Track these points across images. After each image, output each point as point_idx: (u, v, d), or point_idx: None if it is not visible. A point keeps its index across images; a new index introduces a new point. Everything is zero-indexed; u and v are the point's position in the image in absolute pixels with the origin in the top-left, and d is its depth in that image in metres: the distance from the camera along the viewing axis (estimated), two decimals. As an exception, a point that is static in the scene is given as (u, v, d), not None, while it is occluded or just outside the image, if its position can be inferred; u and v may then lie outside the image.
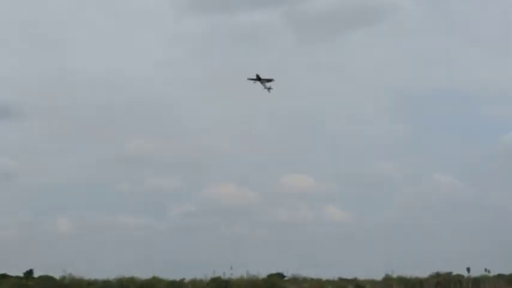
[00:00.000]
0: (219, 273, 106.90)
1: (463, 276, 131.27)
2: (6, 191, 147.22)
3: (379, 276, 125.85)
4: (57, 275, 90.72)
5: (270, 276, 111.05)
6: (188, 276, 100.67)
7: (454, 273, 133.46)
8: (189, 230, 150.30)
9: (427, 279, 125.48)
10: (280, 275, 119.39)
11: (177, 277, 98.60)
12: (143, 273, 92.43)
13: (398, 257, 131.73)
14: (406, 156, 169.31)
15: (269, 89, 60.97)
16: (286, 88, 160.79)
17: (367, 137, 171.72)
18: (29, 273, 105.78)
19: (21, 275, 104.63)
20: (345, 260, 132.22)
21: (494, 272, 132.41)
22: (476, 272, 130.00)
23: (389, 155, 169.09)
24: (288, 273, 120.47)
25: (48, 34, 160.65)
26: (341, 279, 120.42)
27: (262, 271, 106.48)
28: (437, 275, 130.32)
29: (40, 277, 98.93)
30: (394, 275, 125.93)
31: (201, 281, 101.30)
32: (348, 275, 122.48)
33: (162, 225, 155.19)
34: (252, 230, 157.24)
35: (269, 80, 60.71)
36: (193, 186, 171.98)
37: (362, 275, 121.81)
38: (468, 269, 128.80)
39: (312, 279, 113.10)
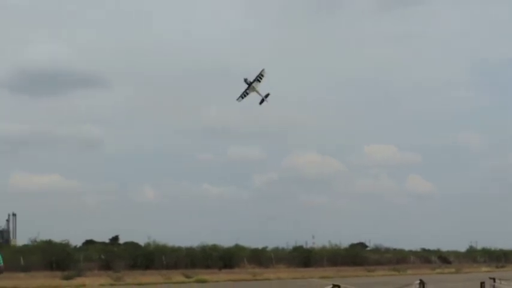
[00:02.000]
0: (301, 243, 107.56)
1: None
2: (93, 159, 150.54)
3: (462, 248, 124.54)
4: (141, 241, 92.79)
5: (352, 246, 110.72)
6: (270, 245, 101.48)
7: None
8: (271, 199, 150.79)
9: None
10: (362, 245, 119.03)
11: (259, 245, 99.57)
12: (226, 241, 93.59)
13: (482, 228, 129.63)
14: (490, 126, 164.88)
15: (262, 101, 48.21)
16: (365, 57, 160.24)
17: (451, 107, 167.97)
18: (115, 239, 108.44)
19: (107, 241, 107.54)
20: (428, 231, 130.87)
21: None
22: None
23: (474, 126, 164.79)
24: (370, 244, 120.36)
25: (127, 4, 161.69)
26: (424, 250, 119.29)
27: (344, 241, 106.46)
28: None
29: (125, 243, 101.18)
30: (478, 247, 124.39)
31: (283, 249, 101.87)
32: (431, 246, 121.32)
33: (244, 194, 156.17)
34: (334, 200, 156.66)
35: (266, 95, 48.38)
36: (275, 155, 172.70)
37: (445, 247, 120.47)
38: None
39: (394, 250, 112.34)
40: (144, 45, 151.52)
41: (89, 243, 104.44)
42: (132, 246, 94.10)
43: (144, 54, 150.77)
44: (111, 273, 65.21)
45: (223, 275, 66.86)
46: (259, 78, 48.45)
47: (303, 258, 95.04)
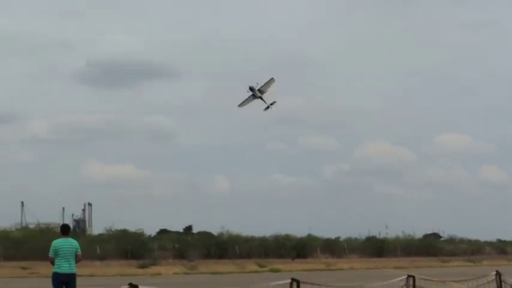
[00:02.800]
0: (374, 233, 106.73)
1: None
2: (165, 149, 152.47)
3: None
4: (215, 231, 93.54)
5: (426, 236, 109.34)
6: (343, 235, 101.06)
7: None
8: (343, 189, 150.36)
9: None
10: (436, 236, 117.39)
11: (332, 235, 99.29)
12: (298, 231, 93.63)
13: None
14: None
15: (267, 107, 45.85)
16: (439, 46, 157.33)
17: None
18: (188, 229, 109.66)
19: (181, 230, 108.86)
20: (503, 222, 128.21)
21: None
22: None
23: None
24: (444, 234, 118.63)
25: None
26: (500, 241, 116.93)
27: (418, 231, 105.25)
28: None
29: (199, 233, 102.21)
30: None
31: (356, 239, 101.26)
32: (507, 237, 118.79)
33: (315, 184, 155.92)
34: (406, 190, 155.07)
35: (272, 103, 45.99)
36: (346, 145, 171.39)
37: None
38: None
39: (469, 241, 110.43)
40: (214, 37, 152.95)
41: (162, 232, 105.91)
42: (205, 235, 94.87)
43: (214, 45, 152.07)
44: (185, 262, 65.84)
45: (297, 264, 66.79)
46: (266, 86, 45.63)
47: (376, 248, 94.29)
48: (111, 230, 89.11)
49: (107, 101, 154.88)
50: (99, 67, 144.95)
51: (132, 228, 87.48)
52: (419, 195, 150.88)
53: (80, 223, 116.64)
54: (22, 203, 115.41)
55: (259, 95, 45.14)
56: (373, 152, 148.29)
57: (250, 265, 62.72)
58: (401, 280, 26.75)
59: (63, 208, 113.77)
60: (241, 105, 46.66)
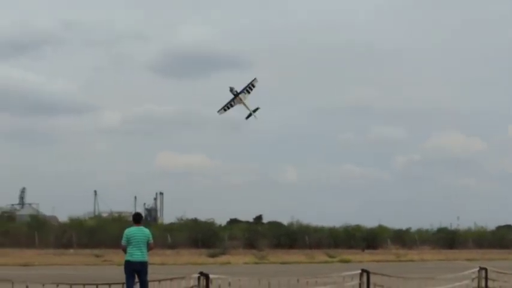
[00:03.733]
0: (445, 224, 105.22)
1: None
2: (236, 139, 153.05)
3: None
4: (285, 221, 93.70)
5: (499, 228, 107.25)
6: (414, 226, 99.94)
7: None
8: (414, 180, 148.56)
9: None
10: (509, 228, 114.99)
11: (402, 226, 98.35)
12: (368, 222, 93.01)
13: None
14: None
15: (249, 115, 42.12)
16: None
17: None
18: (258, 218, 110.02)
19: (251, 220, 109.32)
20: None
21: None
22: None
23: None
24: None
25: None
26: None
27: (491, 223, 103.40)
28: None
29: (269, 223, 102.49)
30: None
31: (427, 231, 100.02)
32: None
33: (386, 175, 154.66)
34: (479, 181, 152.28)
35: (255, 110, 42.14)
36: (417, 135, 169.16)
37: None
38: None
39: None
40: (283, 25, 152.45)
41: (233, 222, 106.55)
42: (275, 225, 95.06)
43: (283, 33, 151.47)
44: (255, 251, 66.16)
45: (367, 255, 66.41)
46: (249, 88, 41.98)
47: (448, 240, 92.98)
48: (182, 219, 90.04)
49: (179, 91, 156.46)
50: (173, 57, 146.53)
51: (203, 217, 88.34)
52: (492, 186, 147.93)
53: (152, 212, 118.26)
54: (95, 192, 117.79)
55: (242, 100, 41.50)
56: (445, 142, 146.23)
57: (320, 255, 62.62)
58: (473, 272, 26.38)
59: (135, 197, 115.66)
60: (220, 111, 42.32)
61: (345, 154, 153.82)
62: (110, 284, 20.07)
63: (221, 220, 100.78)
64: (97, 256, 55.04)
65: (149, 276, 19.44)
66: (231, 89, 41.62)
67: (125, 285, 19.33)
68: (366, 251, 76.83)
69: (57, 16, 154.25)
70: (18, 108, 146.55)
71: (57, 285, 19.42)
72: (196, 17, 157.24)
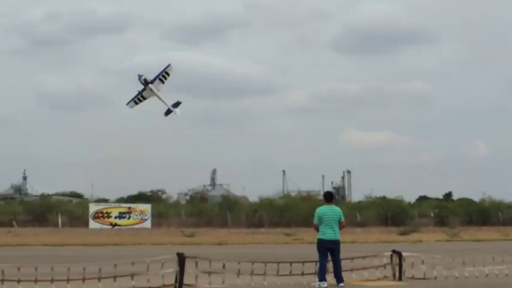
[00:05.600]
0: None
1: None
2: (423, 114, 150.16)
3: None
4: (476, 197, 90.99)
5: None
6: None
7: None
8: None
9: None
10: None
11: None
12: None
13: None
14: None
15: (168, 112, 34.40)
16: None
17: None
18: (448, 195, 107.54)
19: (441, 197, 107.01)
20: None
21: None
22: None
23: None
24: None
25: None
26: None
27: None
28: None
29: (459, 199, 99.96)
30: None
31: None
32: None
33: None
34: None
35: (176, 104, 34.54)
36: None
37: None
38: None
39: None
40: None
41: (422, 199, 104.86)
42: (466, 202, 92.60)
43: (469, 6, 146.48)
44: (446, 229, 64.68)
45: None
46: (162, 77, 34.01)
47: None
48: (370, 197, 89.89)
49: (364, 68, 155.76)
50: (356, 35, 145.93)
51: (391, 195, 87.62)
52: None
53: (340, 190, 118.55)
54: (283, 171, 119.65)
55: (153, 91, 33.84)
56: None
57: (515, 233, 60.23)
58: None
59: (323, 176, 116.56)
60: (130, 103, 34.53)
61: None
62: (303, 262, 20.29)
63: (410, 197, 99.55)
64: (287, 235, 55.88)
65: (341, 255, 19.43)
66: (139, 77, 34.00)
67: (318, 263, 19.45)
68: None
69: (240, 0, 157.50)
70: (207, 92, 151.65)
71: (252, 263, 19.87)
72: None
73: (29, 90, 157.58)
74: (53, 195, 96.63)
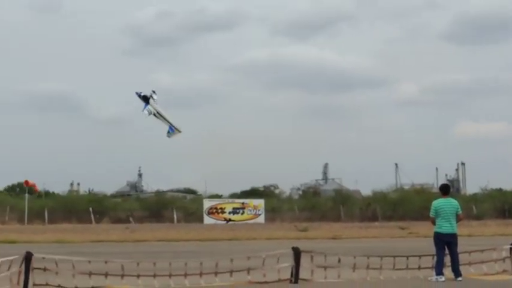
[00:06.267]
0: None
1: None
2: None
3: None
4: None
5: None
6: None
7: None
8: None
9: None
10: None
11: None
12: None
13: None
14: None
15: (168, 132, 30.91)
16: None
17: None
18: None
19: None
20: None
21: None
22: None
23: None
24: None
25: None
26: None
27: None
28: None
29: None
30: None
31: None
32: None
33: None
34: None
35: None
36: None
37: None
38: None
39: None
40: None
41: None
42: None
43: None
44: None
45: None
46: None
47: None
48: (486, 190, 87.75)
49: (476, 58, 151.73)
50: (468, 24, 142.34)
51: (508, 187, 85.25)
52: None
53: (454, 183, 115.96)
54: (396, 164, 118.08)
55: (156, 110, 30.34)
56: None
57: None
58: None
59: (436, 168, 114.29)
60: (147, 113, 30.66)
61: None
62: (419, 256, 20.00)
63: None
64: (402, 228, 55.22)
65: (459, 248, 19.06)
66: (140, 96, 31.15)
67: (434, 257, 19.16)
68: None
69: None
70: (318, 86, 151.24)
71: (368, 258, 19.74)
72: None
73: (142, 90, 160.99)
74: (167, 191, 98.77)
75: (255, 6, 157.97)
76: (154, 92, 30.89)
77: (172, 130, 30.89)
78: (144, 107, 30.52)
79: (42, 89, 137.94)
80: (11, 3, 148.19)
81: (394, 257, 19.90)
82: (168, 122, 30.69)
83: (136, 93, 30.92)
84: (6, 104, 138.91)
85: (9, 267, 16.75)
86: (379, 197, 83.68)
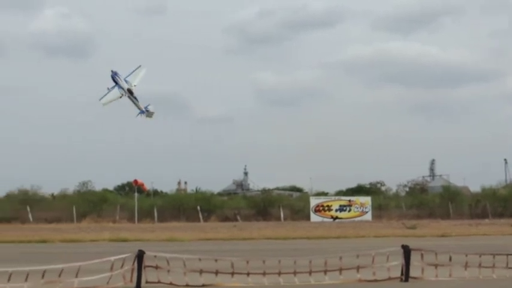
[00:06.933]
0: None
1: None
2: None
3: None
4: None
5: None
6: None
7: None
8: None
9: None
10: None
11: None
12: None
13: None
14: None
15: (142, 112, 30.88)
16: None
17: None
18: None
19: None
20: None
21: None
22: None
23: None
24: None
25: None
26: None
27: None
28: None
29: None
30: None
31: None
32: None
33: None
34: None
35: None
36: None
37: None
38: None
39: None
40: None
41: None
42: None
43: None
44: None
45: None
46: (133, 79, 31.31)
47: None
48: None
49: None
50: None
51: None
52: None
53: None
54: (505, 160, 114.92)
55: (127, 90, 30.68)
56: None
57: None
58: None
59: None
60: (103, 100, 31.20)
61: None
62: (534, 255, 19.50)
63: None
64: (513, 226, 53.86)
65: None
66: (114, 76, 31.14)
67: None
68: None
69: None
70: (422, 81, 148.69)
71: (480, 256, 19.37)
72: None
73: (246, 88, 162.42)
74: (273, 189, 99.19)
75: (356, 1, 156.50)
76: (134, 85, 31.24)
77: (143, 112, 31.58)
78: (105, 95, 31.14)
79: (147, 91, 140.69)
80: (117, 6, 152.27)
81: (507, 255, 19.46)
82: (136, 102, 31.27)
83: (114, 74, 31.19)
84: (112, 106, 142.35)
85: (122, 265, 17.31)
86: (489, 194, 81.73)
